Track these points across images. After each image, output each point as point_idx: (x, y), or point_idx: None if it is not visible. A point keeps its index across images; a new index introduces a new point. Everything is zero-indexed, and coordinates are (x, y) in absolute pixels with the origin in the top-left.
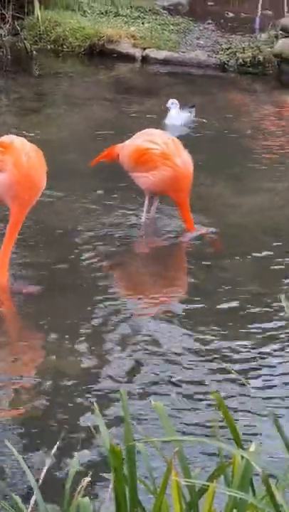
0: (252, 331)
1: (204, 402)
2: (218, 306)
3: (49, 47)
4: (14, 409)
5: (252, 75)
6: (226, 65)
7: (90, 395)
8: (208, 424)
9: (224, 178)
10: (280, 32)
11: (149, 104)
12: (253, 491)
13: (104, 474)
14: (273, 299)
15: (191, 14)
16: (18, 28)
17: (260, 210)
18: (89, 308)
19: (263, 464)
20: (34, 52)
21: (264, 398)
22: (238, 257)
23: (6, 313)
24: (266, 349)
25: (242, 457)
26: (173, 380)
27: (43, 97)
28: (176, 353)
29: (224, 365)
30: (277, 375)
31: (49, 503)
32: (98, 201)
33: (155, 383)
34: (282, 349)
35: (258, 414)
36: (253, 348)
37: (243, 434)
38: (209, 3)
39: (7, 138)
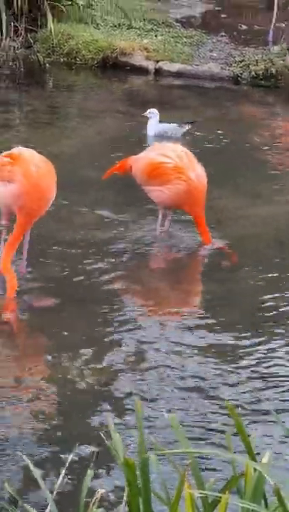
0: (267, 343)
1: (216, 414)
2: (231, 319)
3: (62, 60)
4: (27, 422)
5: (264, 88)
6: (239, 78)
7: (103, 407)
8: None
9: (236, 190)
10: None
11: (162, 117)
12: (266, 502)
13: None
14: (287, 310)
15: (204, 27)
16: (31, 41)
17: (272, 222)
18: (101, 321)
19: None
20: (47, 65)
21: (277, 410)
22: (250, 269)
23: (17, 325)
24: (281, 362)
25: (254, 469)
26: (185, 391)
27: (56, 110)
28: (189, 366)
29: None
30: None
31: None
32: (111, 214)
33: (167, 394)
34: None
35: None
36: (267, 362)
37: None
38: (222, 16)
39: (16, 150)
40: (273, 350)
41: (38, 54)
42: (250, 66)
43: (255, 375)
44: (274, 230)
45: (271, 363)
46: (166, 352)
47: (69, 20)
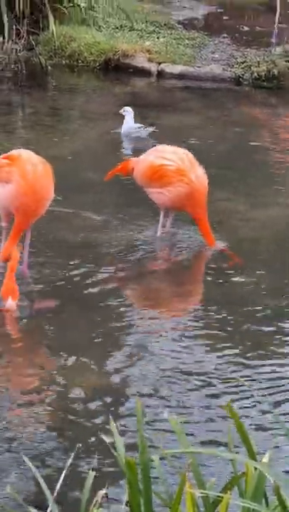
0: (269, 345)
1: (218, 415)
2: (233, 321)
3: (64, 62)
4: (29, 423)
5: (266, 89)
6: (240, 79)
7: (104, 408)
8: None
9: (238, 192)
10: None
11: (165, 119)
12: (266, 501)
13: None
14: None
15: (207, 28)
16: (33, 43)
17: (275, 224)
18: (103, 323)
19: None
20: (49, 67)
21: (281, 414)
22: (252, 271)
23: (18, 327)
24: (285, 362)
25: (255, 468)
26: (186, 394)
27: (58, 112)
28: (190, 368)
29: (240, 380)
30: None
31: None
32: (113, 215)
33: (169, 397)
34: None
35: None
36: (271, 365)
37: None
38: (224, 18)
39: (15, 151)
40: (276, 353)
41: (40, 56)
42: (252, 67)
43: (259, 377)
44: (275, 232)
45: (275, 367)
46: (168, 353)
47: (71, 23)
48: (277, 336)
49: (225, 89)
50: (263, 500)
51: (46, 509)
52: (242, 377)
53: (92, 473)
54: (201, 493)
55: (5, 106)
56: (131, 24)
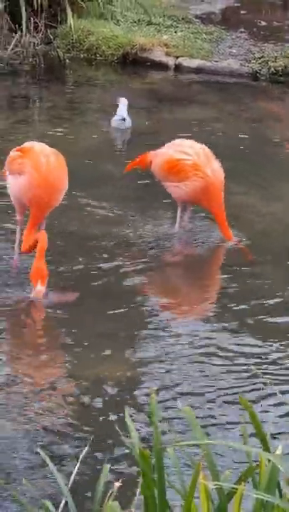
0: (284, 339)
1: (235, 407)
2: (250, 315)
3: (82, 55)
4: (44, 415)
5: (284, 84)
6: (258, 74)
7: (121, 401)
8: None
9: (254, 186)
10: None
11: (182, 113)
12: (280, 492)
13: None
14: None
15: (224, 23)
16: (51, 37)
17: None
18: (120, 316)
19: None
20: (67, 60)
21: None
22: (268, 266)
23: (37, 320)
24: None
25: (268, 460)
26: (203, 387)
27: (75, 106)
28: (207, 361)
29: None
30: None
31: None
32: (131, 209)
33: (186, 389)
34: None
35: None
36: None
37: None
38: (242, 12)
39: (27, 143)
40: None
41: (57, 50)
42: (269, 62)
43: (279, 372)
44: None
45: None
46: (186, 346)
47: (89, 16)
48: None
49: (242, 83)
50: (277, 492)
51: (60, 502)
52: (261, 368)
53: (108, 466)
54: (215, 484)
55: (23, 99)
56: (149, 18)
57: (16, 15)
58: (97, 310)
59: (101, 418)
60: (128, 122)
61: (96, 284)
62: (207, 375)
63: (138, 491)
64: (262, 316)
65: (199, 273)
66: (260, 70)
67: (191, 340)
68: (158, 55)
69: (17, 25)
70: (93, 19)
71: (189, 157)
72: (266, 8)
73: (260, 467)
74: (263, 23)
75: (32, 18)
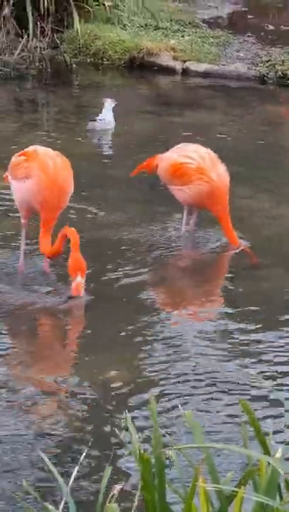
0: None
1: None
2: (257, 318)
3: (89, 60)
4: (46, 417)
5: None
6: (265, 78)
7: (122, 405)
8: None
9: (261, 190)
10: None
11: (189, 117)
12: (281, 495)
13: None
14: None
15: (231, 27)
16: (58, 42)
17: None
18: (129, 320)
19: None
20: (74, 65)
21: None
22: (275, 269)
23: (50, 323)
24: None
25: (268, 463)
26: (210, 392)
27: (83, 110)
28: (218, 366)
29: (261, 376)
30: None
31: None
32: (138, 213)
33: (192, 394)
34: None
35: None
36: None
37: None
38: (249, 16)
39: (30, 148)
40: None
41: (64, 54)
42: (277, 66)
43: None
44: None
45: None
46: (195, 349)
47: (95, 21)
48: None
49: (249, 87)
50: (278, 495)
51: (60, 502)
52: (266, 372)
53: (109, 468)
54: (214, 487)
55: (30, 104)
56: (156, 23)
57: (23, 19)
58: (103, 313)
59: (103, 420)
60: (108, 123)
61: (104, 287)
62: (219, 378)
63: (138, 493)
64: (269, 320)
65: (206, 277)
66: (267, 73)
67: (198, 345)
68: (165, 59)
69: (24, 30)
70: (100, 24)
71: (193, 161)
72: (273, 12)
73: (260, 470)
74: (270, 27)
75: (38, 23)
